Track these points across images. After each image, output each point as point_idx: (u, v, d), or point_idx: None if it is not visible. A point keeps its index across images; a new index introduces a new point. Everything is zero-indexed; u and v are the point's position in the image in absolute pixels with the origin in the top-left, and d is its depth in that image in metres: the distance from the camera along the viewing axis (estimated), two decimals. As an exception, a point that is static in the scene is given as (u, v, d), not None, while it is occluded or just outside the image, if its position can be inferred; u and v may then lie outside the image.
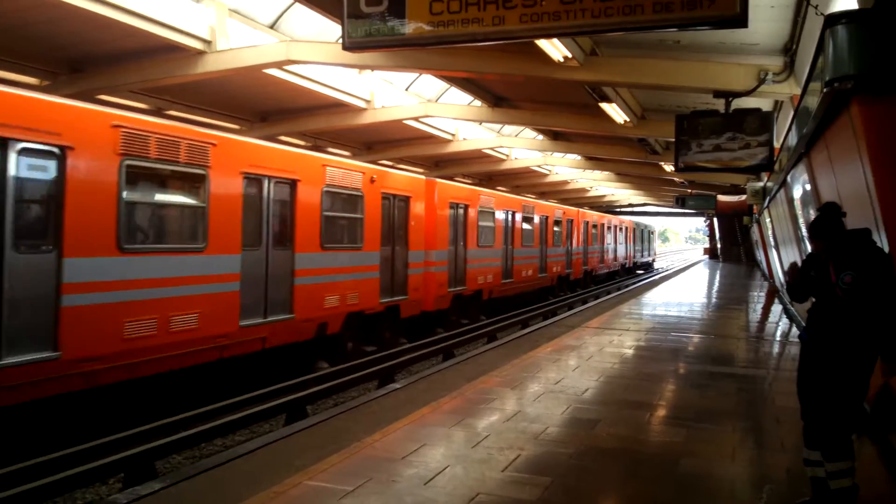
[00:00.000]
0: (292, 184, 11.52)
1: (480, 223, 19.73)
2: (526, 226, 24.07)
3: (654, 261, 58.00)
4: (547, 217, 26.67)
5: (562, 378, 9.02)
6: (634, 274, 46.98)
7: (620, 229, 43.17)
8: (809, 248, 5.20)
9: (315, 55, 11.78)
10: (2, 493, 6.12)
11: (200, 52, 11.71)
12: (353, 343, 13.60)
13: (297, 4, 11.49)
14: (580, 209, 33.30)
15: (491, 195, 21.05)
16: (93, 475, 6.95)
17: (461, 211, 18.57)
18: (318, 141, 20.39)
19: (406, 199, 15.42)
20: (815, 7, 6.52)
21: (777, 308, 19.09)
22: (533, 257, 24.95)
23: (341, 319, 12.90)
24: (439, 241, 17.04)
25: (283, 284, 11.37)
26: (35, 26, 10.82)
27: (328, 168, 12.48)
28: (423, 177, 16.68)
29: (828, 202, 5.00)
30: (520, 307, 22.70)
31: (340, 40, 5.96)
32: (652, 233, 58.53)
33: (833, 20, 5.11)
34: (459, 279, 18.48)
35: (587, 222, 33.49)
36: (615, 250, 41.43)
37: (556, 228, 27.76)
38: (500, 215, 21.32)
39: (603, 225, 37.53)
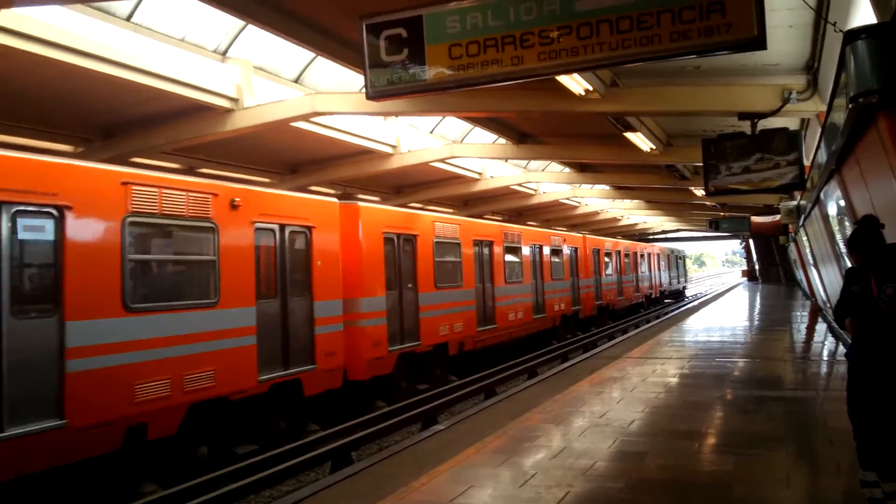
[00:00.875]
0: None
1: (438, 258, 15.76)
2: (511, 258, 20.21)
3: (685, 288, 53.72)
4: (541, 246, 22.70)
5: (606, 411, 8.91)
6: (662, 304, 42.76)
7: (642, 256, 38.71)
8: (849, 264, 5.14)
9: (340, 106, 11.99)
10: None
11: (228, 110, 11.98)
12: (205, 448, 9.40)
13: (320, 58, 11.74)
14: (585, 235, 29.02)
15: (453, 222, 17.17)
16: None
17: (407, 244, 14.67)
18: (349, 188, 20.62)
19: (305, 231, 11.45)
20: (834, 24, 6.52)
21: (822, 327, 18.73)
22: (524, 295, 20.79)
23: (180, 414, 8.81)
24: (369, 285, 13.16)
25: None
26: (66, 95, 11.15)
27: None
28: (334, 200, 12.66)
29: (866, 215, 4.95)
30: (512, 357, 18.67)
31: (364, 90, 6.09)
32: (681, 258, 54.25)
33: (852, 36, 5.11)
34: (409, 333, 14.33)
35: (598, 250, 29.40)
36: (637, 280, 36.79)
37: (554, 259, 23.87)
38: (469, 248, 17.40)
39: (619, 252, 33.15)
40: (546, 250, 23.12)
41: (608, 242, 32.02)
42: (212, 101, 11.60)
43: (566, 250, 25.26)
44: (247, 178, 16.71)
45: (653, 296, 41.03)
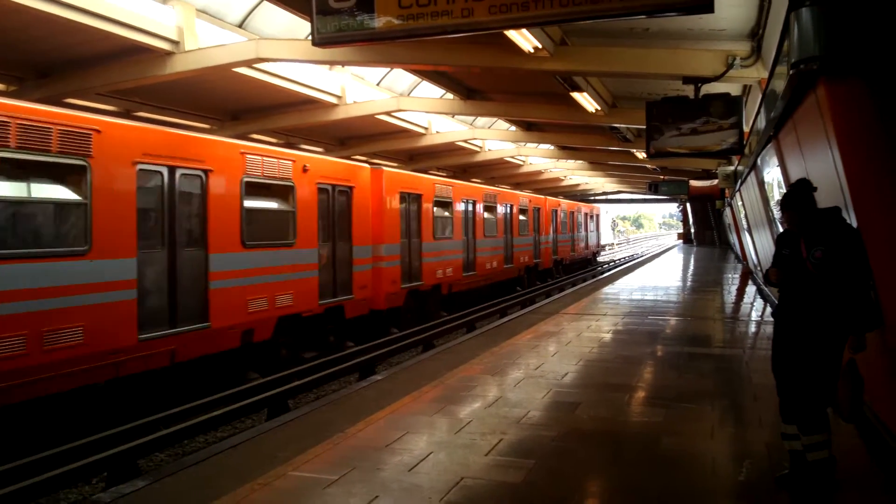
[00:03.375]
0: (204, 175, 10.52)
1: (437, 214, 18.75)
2: (489, 215, 23.21)
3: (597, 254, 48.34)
4: (512, 206, 25.74)
5: (542, 364, 9.11)
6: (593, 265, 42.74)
7: (591, 217, 42.56)
8: (781, 229, 5.30)
9: (285, 52, 11.74)
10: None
11: (169, 53, 11.62)
12: (288, 350, 12.46)
13: (266, 3, 11.45)
14: (547, 197, 32.42)
15: (448, 184, 19.99)
16: (76, 475, 6.95)
17: (414, 202, 17.42)
18: (291, 138, 20.33)
19: (348, 191, 14.32)
20: (779, -10, 6.62)
21: (752, 289, 19.35)
22: (497, 248, 24.01)
23: (272, 324, 11.81)
24: (389, 234, 15.97)
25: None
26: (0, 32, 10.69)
27: (247, 156, 11.37)
28: (366, 165, 15.61)
29: (800, 178, 5.10)
30: (486, 300, 22.13)
31: (310, 37, 5.98)
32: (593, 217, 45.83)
33: (797, 3, 5.19)
34: (415, 274, 17.39)
35: (555, 210, 32.62)
36: (587, 238, 40.81)
37: (521, 217, 26.88)
38: (459, 205, 20.40)
39: (573, 213, 36.77)
40: (515, 209, 26.05)
41: (564, 203, 35.04)
42: (151, 42, 11.24)
43: (531, 210, 28.26)
44: (186, 124, 16.32)
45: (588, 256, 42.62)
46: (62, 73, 12.81)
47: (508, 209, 25.32)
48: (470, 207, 21.47)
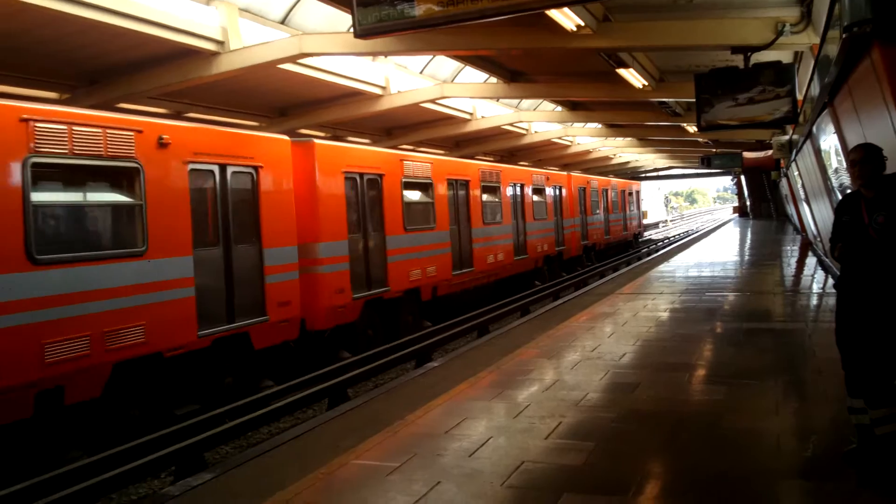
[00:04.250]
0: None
1: (410, 199, 15.15)
2: (489, 197, 19.58)
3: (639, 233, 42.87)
4: (522, 185, 22.04)
5: (598, 345, 9.06)
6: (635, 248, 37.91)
7: (631, 194, 37.96)
8: (839, 197, 5.16)
9: (328, 46, 11.81)
10: (59, 493, 6.32)
11: (214, 54, 11.78)
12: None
13: (307, -3, 11.54)
14: (571, 173, 28.43)
15: (424, 161, 16.24)
16: (145, 470, 7.15)
17: (372, 185, 13.76)
18: (338, 131, 20.47)
19: (251, 172, 10.59)
20: (828, -48, 6.41)
21: (812, 261, 18.90)
22: (504, 237, 20.18)
23: (101, 378, 8.05)
24: (329, 229, 12.28)
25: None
26: (50, 42, 10.93)
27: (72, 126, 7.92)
28: (284, 137, 11.71)
29: (871, 144, 4.93)
30: (490, 301, 18.26)
31: (352, 29, 6.01)
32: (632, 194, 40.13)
33: (847, -36, 5.04)
34: (376, 278, 13.56)
35: (583, 188, 28.47)
36: (625, 218, 35.92)
37: (537, 198, 23.15)
38: (443, 188, 16.78)
39: (606, 190, 32.31)
40: (528, 190, 22.48)
41: (594, 180, 31.03)
42: (197, 44, 11.40)
43: (550, 189, 24.56)
44: (235, 122, 16.55)
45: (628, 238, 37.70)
46: (112, 78, 13.08)
47: (517, 189, 21.68)
48: (460, 190, 17.87)
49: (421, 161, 16.03)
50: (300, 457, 5.53)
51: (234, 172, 10.26)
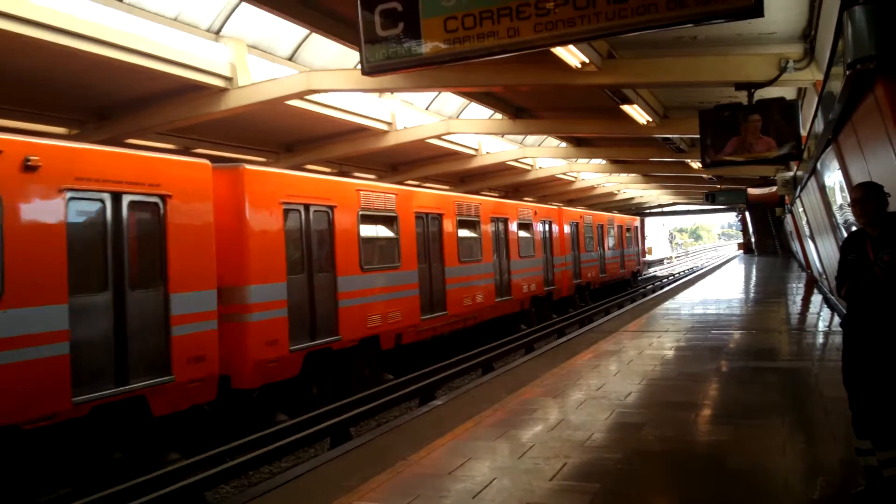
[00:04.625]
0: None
1: (366, 235, 13.24)
2: (467, 233, 17.75)
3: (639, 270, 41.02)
4: (506, 220, 20.16)
5: (603, 384, 8.96)
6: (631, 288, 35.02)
7: (629, 229, 36.19)
8: (845, 234, 5.14)
9: (335, 83, 11.92)
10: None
11: (223, 90, 11.89)
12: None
13: (315, 35, 11.64)
14: (563, 207, 26.97)
15: (387, 191, 14.45)
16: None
17: (318, 218, 11.96)
18: (344, 166, 20.56)
19: (156, 203, 8.93)
20: (831, -9, 6.47)
21: (817, 298, 18.80)
22: (484, 276, 18.23)
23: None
24: (260, 269, 10.52)
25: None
26: (60, 78, 11.05)
27: None
28: (201, 161, 9.98)
29: (872, 182, 4.92)
30: (468, 348, 16.22)
31: (359, 66, 6.04)
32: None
33: (850, 1, 5.07)
34: (323, 326, 11.69)
35: (576, 224, 26.81)
36: (623, 255, 34.15)
37: (522, 234, 21.38)
38: (409, 223, 14.79)
39: (602, 226, 30.78)
40: (513, 225, 20.70)
41: (588, 215, 29.28)
42: (206, 80, 11.52)
43: (538, 225, 22.83)
44: (242, 158, 16.64)
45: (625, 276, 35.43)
46: (121, 114, 13.20)
47: (500, 225, 19.93)
48: (431, 225, 16.08)
49: (382, 192, 14.25)
50: (302, 497, 5.46)
51: (132, 202, 8.55)
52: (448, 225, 16.73)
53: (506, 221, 20.21)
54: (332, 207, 12.28)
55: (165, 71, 10.77)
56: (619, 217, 35.64)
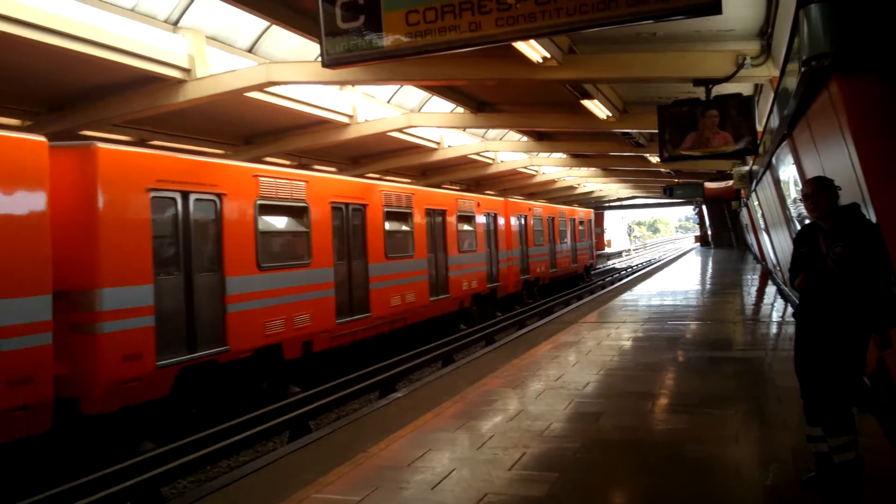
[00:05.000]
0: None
1: (267, 228, 11.74)
2: (396, 226, 16.38)
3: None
4: (444, 212, 18.75)
5: (562, 374, 9.06)
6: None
7: (582, 222, 35.21)
8: (798, 227, 5.25)
9: (295, 75, 11.81)
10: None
11: (181, 81, 11.70)
12: None
13: (275, 27, 11.52)
14: (508, 199, 25.19)
15: (295, 178, 12.84)
16: (101, 505, 6.94)
17: (200, 207, 10.38)
18: (304, 159, 20.40)
19: None
20: (786, -11, 6.58)
21: (772, 290, 19.18)
22: (416, 273, 16.79)
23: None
24: (117, 269, 8.85)
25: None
26: (11, 68, 10.77)
27: None
28: (30, 136, 8.28)
29: (823, 177, 5.04)
30: (400, 351, 14.78)
31: (319, 58, 6.01)
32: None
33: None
34: (206, 335, 10.09)
35: (524, 217, 25.72)
36: (575, 249, 32.95)
37: (463, 227, 20.02)
38: (324, 214, 13.27)
39: (553, 219, 29.58)
40: (452, 217, 19.23)
41: (538, 207, 28.15)
42: (163, 71, 11.33)
43: (481, 217, 21.49)
44: (200, 150, 16.42)
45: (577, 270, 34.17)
46: (76, 105, 12.92)
47: (437, 218, 18.44)
48: (353, 218, 14.54)
49: (288, 178, 12.55)
50: (260, 491, 5.43)
51: None
52: (373, 217, 15.16)
53: (443, 214, 18.84)
54: (220, 195, 10.68)
55: (122, 62, 10.56)
56: (571, 209, 34.35)
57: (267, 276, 11.48)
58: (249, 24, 12.00)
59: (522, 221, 25.62)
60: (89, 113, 12.90)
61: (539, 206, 28.32)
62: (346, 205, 14.28)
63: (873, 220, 4.96)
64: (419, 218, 17.38)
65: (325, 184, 13.87)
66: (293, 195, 12.43)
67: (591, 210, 40.17)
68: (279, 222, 12.27)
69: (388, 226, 15.83)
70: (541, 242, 27.50)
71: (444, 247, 18.67)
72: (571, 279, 32.81)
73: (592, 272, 39.00)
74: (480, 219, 21.40)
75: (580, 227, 34.73)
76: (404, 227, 16.79)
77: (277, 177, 12.19)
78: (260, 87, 12.21)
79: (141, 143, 14.90)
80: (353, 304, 14.13)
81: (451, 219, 19.20)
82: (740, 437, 6.13)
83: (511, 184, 33.37)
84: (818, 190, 4.76)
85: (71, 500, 6.88)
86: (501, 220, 23.37)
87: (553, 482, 5.17)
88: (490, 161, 26.08)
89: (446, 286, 18.55)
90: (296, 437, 9.07)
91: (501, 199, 24.54)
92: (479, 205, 21.25)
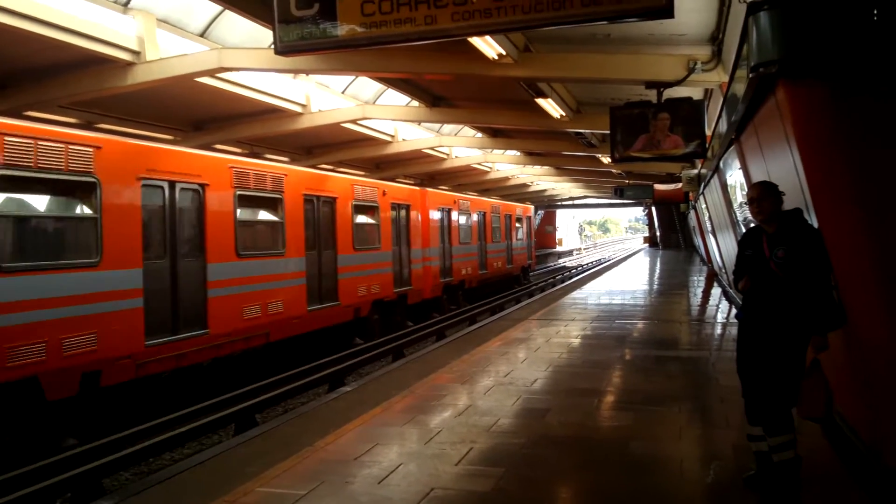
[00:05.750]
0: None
1: (24, 213, 8.68)
2: (256, 214, 12.93)
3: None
4: (334, 199, 15.34)
5: (511, 370, 9.11)
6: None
7: (519, 219, 32.55)
8: (743, 230, 5.35)
9: (247, 61, 11.64)
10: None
11: (129, 64, 11.45)
12: None
13: (228, 12, 11.33)
14: (415, 188, 21.31)
15: (81, 142, 9.14)
16: (39, 497, 6.76)
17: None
18: (256, 147, 20.15)
19: None
20: (738, -5, 6.69)
21: (717, 291, 19.57)
22: (284, 277, 13.19)
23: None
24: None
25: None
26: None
27: None
28: None
29: (768, 182, 5.15)
30: (256, 378, 11.39)
31: (273, 45, 5.93)
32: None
33: (755, 7, 5.24)
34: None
35: (446, 211, 22.45)
36: (510, 248, 30.13)
37: (362, 220, 16.57)
38: (131, 195, 9.81)
39: (485, 215, 26.76)
40: (346, 207, 15.76)
41: (465, 200, 24.89)
42: (112, 53, 11.06)
43: (388, 209, 17.94)
44: (149, 135, 16.10)
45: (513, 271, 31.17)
46: (20, 84, 12.55)
47: (322, 208, 14.90)
48: (185, 201, 10.95)
49: (76, 142, 9.05)
50: (203, 483, 5.34)
51: None
52: (216, 202, 11.44)
53: (332, 203, 15.35)
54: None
55: (68, 41, 10.28)
56: (507, 204, 31.40)
57: (18, 280, 8.23)
58: (202, 7, 11.80)
59: (445, 216, 22.44)
60: (34, 93, 12.56)
61: (467, 199, 25.29)
62: (174, 183, 10.60)
63: (815, 225, 5.08)
64: (294, 206, 13.69)
65: (140, 153, 10.34)
66: (72, 164, 8.92)
67: (531, 206, 37.01)
68: (38, 202, 8.95)
69: (241, 214, 12.13)
70: (468, 240, 24.50)
71: (332, 243, 15.19)
72: (506, 282, 29.72)
73: (531, 273, 36.04)
74: (386, 211, 17.88)
75: (517, 225, 31.96)
76: (271, 218, 13.23)
77: (29, 136, 8.48)
78: (211, 73, 12.02)
79: (88, 126, 14.54)
80: (181, 319, 10.60)
81: (344, 209, 15.70)
82: (684, 434, 6.24)
83: (466, 179, 33.45)
84: (763, 194, 4.87)
85: (9, 492, 6.67)
86: (417, 214, 20.10)
87: (499, 477, 5.20)
88: (445, 156, 26.10)
89: (335, 292, 15.01)
90: (242, 430, 8.94)
91: (417, 188, 21.30)
92: (384, 193, 17.70)
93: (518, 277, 32.14)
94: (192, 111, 16.30)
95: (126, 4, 11.02)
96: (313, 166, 19.76)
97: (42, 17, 9.68)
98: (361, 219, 16.66)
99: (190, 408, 9.65)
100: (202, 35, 12.46)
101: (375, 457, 5.75)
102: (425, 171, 28.04)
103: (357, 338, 15.84)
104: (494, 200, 30.00)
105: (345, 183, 16.28)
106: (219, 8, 11.54)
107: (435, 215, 21.49)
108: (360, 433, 6.49)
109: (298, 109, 16.18)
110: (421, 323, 18.60)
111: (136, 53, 11.35)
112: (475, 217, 25.56)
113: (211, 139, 17.49)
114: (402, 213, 19.21)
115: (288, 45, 5.73)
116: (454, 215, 23.11)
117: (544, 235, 67.07)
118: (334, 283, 15.18)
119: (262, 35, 11.99)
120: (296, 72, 14.13)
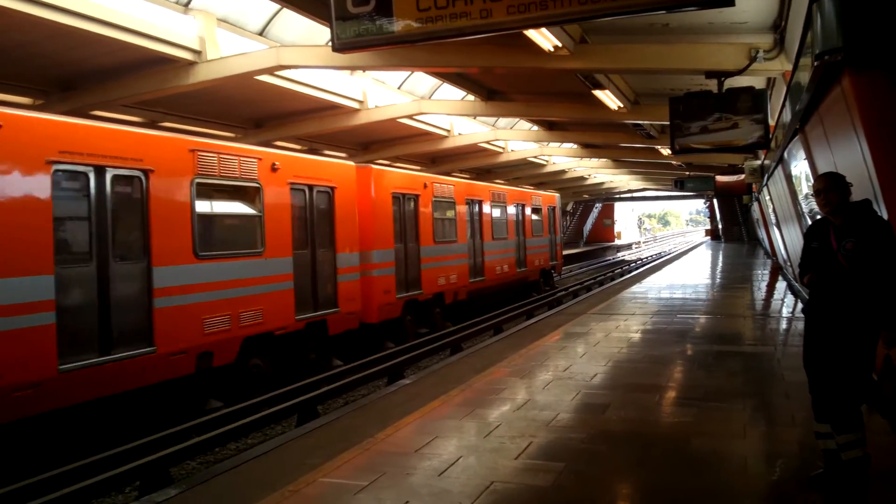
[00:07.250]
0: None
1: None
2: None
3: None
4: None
5: (570, 365, 9.05)
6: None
7: (537, 210, 25.58)
8: (809, 222, 5.22)
9: (305, 59, 11.81)
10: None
11: (191, 63, 11.73)
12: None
13: (285, 10, 11.51)
14: (371, 165, 15.64)
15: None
16: (109, 484, 6.99)
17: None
18: (314, 144, 20.42)
19: None
20: (801, -19, 6.52)
21: (782, 285, 19.11)
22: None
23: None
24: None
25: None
26: (23, 47, 10.82)
27: None
28: None
29: (834, 173, 5.01)
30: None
31: (330, 43, 5.99)
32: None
33: (819, -7, 5.12)
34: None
35: (416, 198, 16.15)
36: (519, 249, 23.18)
37: (241, 209, 10.75)
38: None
39: (480, 203, 20.15)
40: (271, 192, 11.10)
41: (448, 185, 18.19)
42: (174, 53, 11.35)
43: (285, 195, 11.52)
44: (209, 133, 16.45)
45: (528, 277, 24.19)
46: (86, 85, 12.96)
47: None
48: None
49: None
50: (267, 474, 5.45)
51: None
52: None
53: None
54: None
55: (132, 42, 10.59)
56: (517, 191, 24.30)
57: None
58: (260, 6, 12.01)
59: (410, 206, 16.09)
60: (99, 93, 12.95)
61: (448, 183, 18.38)
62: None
63: (885, 216, 4.93)
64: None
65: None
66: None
67: (556, 194, 29.81)
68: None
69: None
70: (451, 238, 18.08)
71: (178, 247, 9.43)
72: (519, 289, 23.13)
73: (556, 279, 28.38)
74: (281, 196, 11.47)
75: (534, 217, 25.09)
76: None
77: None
78: (270, 71, 12.22)
79: (152, 124, 14.94)
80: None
81: (164, 195, 9.21)
82: (747, 431, 6.12)
83: (522, 173, 33.38)
84: (830, 186, 4.73)
85: (81, 479, 6.91)
86: (348, 203, 13.39)
87: (559, 472, 5.17)
88: (500, 150, 26.02)
89: (173, 331, 9.19)
90: (304, 421, 9.09)
91: (352, 163, 14.26)
92: (275, 168, 11.19)
93: (536, 284, 25.21)
94: (252, 109, 16.60)
95: (187, 5, 11.28)
96: (370, 161, 19.95)
97: (107, 18, 9.98)
98: (241, 208, 10.88)
99: (252, 400, 9.86)
100: (260, 34, 12.68)
101: (435, 449, 5.79)
102: (482, 164, 28.02)
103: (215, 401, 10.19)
104: (499, 185, 24.45)
105: (237, 152, 10.68)
106: (276, 7, 11.74)
107: (394, 207, 15.29)
108: (420, 426, 6.54)
109: (355, 106, 16.34)
110: (354, 362, 12.74)
111: (197, 53, 11.62)
112: (463, 208, 18.92)
113: (270, 136, 17.80)
114: (323, 200, 12.77)
115: (345, 41, 5.78)
116: (424, 205, 16.63)
117: (602, 229, 66.53)
118: (175, 318, 9.35)
119: (319, 33, 12.13)
120: (352, 68, 14.27)
